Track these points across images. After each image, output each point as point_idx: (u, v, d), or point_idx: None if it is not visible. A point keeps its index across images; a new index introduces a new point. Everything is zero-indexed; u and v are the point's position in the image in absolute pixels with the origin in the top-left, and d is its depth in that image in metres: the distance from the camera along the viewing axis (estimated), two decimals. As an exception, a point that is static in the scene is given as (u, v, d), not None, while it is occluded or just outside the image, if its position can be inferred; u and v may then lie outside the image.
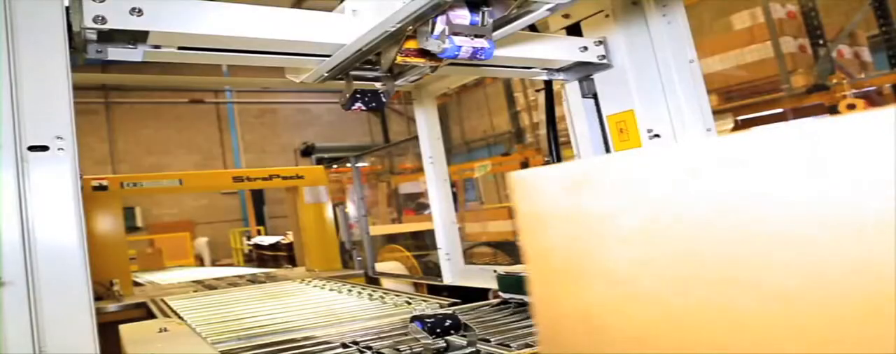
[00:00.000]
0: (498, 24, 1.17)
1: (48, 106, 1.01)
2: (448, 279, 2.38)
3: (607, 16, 1.70)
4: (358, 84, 1.38)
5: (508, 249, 6.03)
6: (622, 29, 1.70)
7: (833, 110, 3.60)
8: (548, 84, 1.86)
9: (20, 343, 0.94)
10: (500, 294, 1.87)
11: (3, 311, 0.93)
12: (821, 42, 3.76)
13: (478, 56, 1.13)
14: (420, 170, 2.65)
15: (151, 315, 2.51)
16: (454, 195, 2.59)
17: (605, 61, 1.71)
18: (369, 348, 1.38)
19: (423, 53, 1.22)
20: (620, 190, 0.53)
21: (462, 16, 1.10)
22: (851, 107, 3.46)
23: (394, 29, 1.15)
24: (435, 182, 2.41)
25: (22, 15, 1.01)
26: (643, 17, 1.70)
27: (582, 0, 1.73)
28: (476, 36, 1.12)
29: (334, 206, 4.35)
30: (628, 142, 1.71)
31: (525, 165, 6.18)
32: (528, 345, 1.26)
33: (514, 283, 1.82)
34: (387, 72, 1.35)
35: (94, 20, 1.03)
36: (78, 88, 1.05)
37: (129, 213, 9.11)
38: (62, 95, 1.03)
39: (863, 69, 4.11)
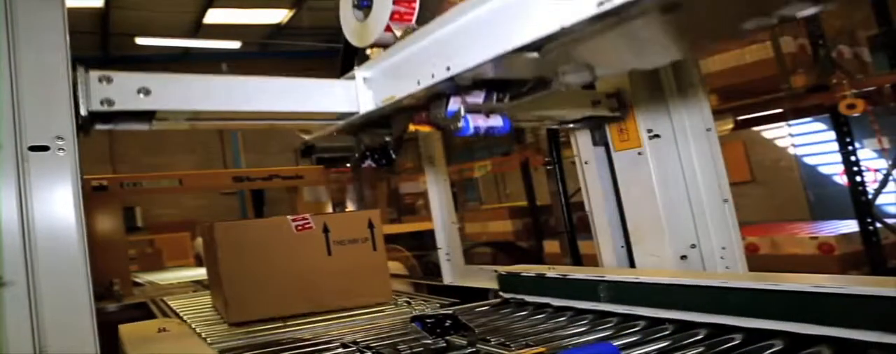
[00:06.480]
0: (513, 97, 1.13)
1: (48, 106, 1.01)
2: (448, 279, 2.38)
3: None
4: (368, 142, 1.37)
5: (508, 249, 6.03)
6: (622, 29, 1.70)
7: (833, 110, 3.59)
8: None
9: (20, 343, 0.94)
10: (501, 294, 1.87)
11: (3, 311, 0.93)
12: (821, 42, 3.75)
13: (492, 133, 1.10)
14: (420, 169, 2.65)
15: (151, 315, 2.51)
16: (454, 195, 2.60)
17: (617, 114, 1.68)
18: (369, 348, 1.38)
19: (436, 123, 1.19)
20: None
21: (477, 95, 1.08)
22: (851, 107, 3.45)
23: (407, 104, 1.13)
24: (435, 182, 2.41)
25: (22, 14, 1.01)
26: (643, 17, 1.70)
27: None
28: (491, 112, 1.10)
29: (334, 206, 4.35)
30: (629, 142, 1.72)
31: (525, 165, 6.15)
32: (527, 345, 1.26)
33: (515, 283, 1.82)
34: (398, 138, 1.33)
35: (102, 103, 1.02)
36: (78, 88, 1.05)
37: (129, 213, 9.09)
38: (62, 95, 1.02)
39: (863, 69, 4.10)
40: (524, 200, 6.29)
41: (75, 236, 1.00)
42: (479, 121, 1.08)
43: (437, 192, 2.41)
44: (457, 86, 1.04)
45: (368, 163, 1.36)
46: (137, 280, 4.26)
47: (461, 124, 1.07)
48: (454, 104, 1.08)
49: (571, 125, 1.79)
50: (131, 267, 4.52)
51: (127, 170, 10.54)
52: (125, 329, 1.59)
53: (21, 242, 0.96)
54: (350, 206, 8.84)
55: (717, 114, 3.08)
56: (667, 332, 1.28)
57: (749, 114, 4.44)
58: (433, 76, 1.02)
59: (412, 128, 1.24)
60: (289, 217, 2.09)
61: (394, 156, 1.37)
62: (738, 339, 1.16)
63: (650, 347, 1.17)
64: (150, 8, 9.96)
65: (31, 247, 0.97)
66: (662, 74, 1.69)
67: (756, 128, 6.65)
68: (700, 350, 1.13)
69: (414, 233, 6.07)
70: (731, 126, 4.45)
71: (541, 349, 1.21)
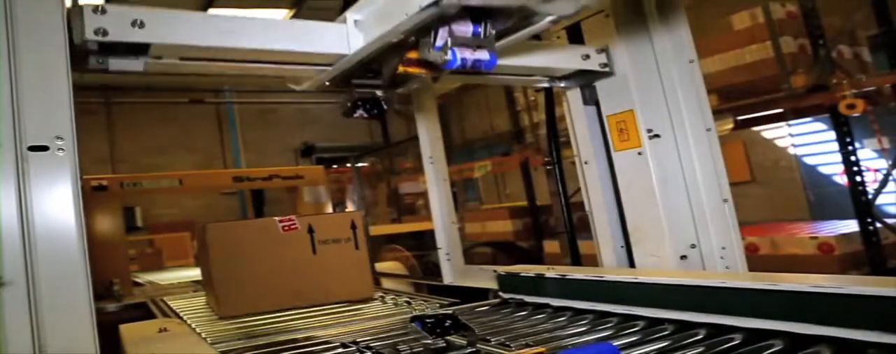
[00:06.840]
0: (500, 34, 1.16)
1: (48, 106, 1.01)
2: (448, 279, 2.38)
3: (607, 16, 1.70)
4: (359, 91, 1.39)
5: (508, 249, 6.02)
6: (622, 29, 1.70)
7: (833, 110, 3.59)
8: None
9: (20, 343, 0.94)
10: (501, 294, 1.86)
11: (3, 311, 0.93)
12: (821, 42, 3.75)
13: (479, 67, 1.12)
14: (420, 169, 2.65)
15: (151, 315, 2.51)
16: (454, 195, 2.61)
17: (607, 69, 1.70)
18: (369, 348, 1.38)
19: (425, 63, 1.22)
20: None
21: (464, 27, 1.10)
22: (851, 107, 3.45)
23: (396, 40, 1.15)
24: (435, 182, 2.41)
25: (22, 15, 1.01)
26: (643, 18, 1.70)
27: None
28: (478, 47, 1.12)
29: (334, 206, 4.34)
30: (629, 142, 1.72)
31: (525, 165, 6.15)
32: (527, 345, 1.26)
33: (514, 283, 1.82)
34: (388, 81, 1.35)
35: (96, 33, 1.03)
36: (78, 88, 1.05)
37: (128, 213, 9.08)
38: (62, 95, 1.03)
39: (863, 69, 4.10)
40: (524, 200, 6.28)
41: (75, 236, 1.00)
42: (466, 54, 1.10)
43: (437, 192, 2.41)
44: (444, 17, 1.06)
45: (360, 112, 1.37)
46: (137, 280, 4.26)
47: (448, 57, 1.09)
48: (441, 38, 1.10)
49: (563, 84, 1.79)
50: (131, 267, 4.52)
51: (127, 170, 10.53)
52: (126, 329, 1.59)
53: (21, 242, 0.96)
54: (350, 206, 8.84)
55: (717, 114, 3.08)
56: (666, 332, 1.28)
57: (749, 114, 4.44)
58: (420, 7, 1.04)
59: (401, 69, 1.25)
60: (276, 218, 2.18)
61: (386, 107, 1.38)
62: (737, 339, 1.16)
63: (650, 347, 1.17)
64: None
65: (31, 247, 0.97)
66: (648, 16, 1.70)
67: (756, 128, 6.64)
68: (700, 350, 1.13)
69: (414, 233, 6.07)
70: (731, 126, 4.45)
71: (541, 349, 1.21)
